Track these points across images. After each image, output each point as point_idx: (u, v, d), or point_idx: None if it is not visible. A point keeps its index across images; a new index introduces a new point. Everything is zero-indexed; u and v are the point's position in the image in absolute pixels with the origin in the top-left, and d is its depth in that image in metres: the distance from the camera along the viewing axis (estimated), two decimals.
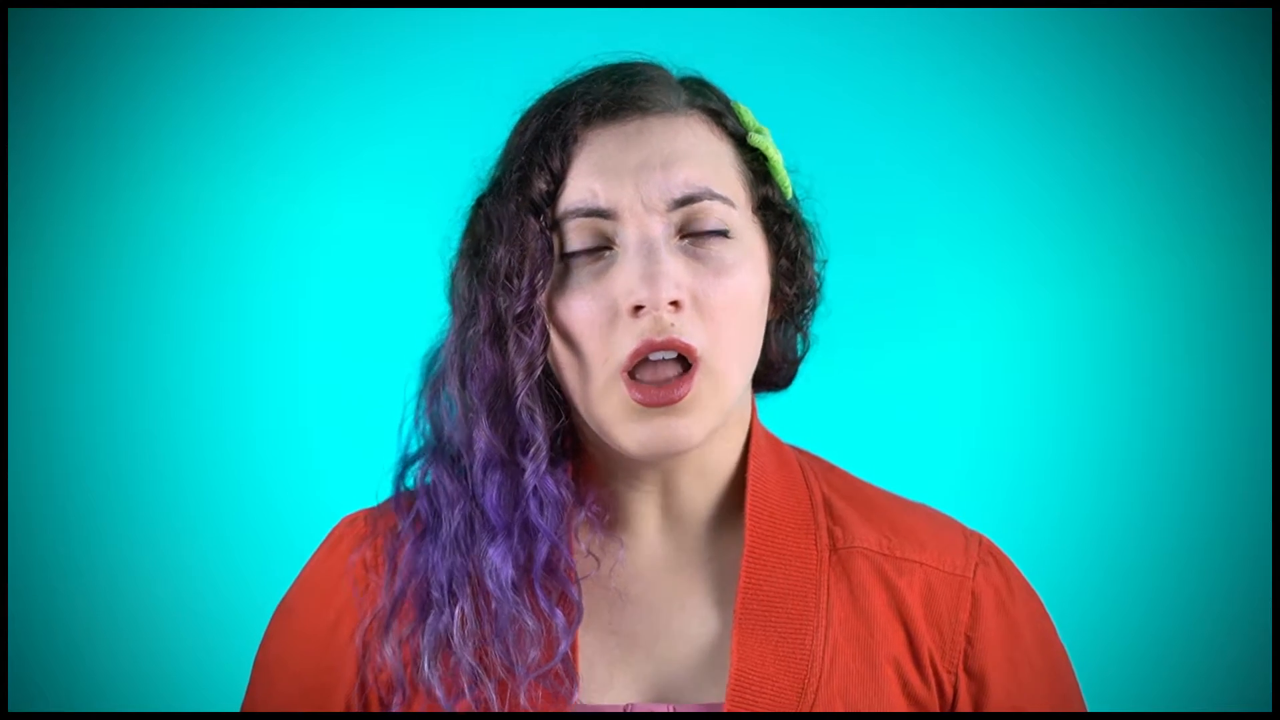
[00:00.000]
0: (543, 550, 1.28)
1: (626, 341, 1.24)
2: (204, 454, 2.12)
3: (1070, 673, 1.37)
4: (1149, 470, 2.11)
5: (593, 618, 1.29)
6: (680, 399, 1.24)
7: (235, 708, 1.39)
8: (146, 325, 2.12)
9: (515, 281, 1.26)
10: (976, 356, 2.14)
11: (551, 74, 1.32)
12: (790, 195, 1.32)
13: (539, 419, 1.28)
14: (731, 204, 1.26)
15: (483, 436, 1.28)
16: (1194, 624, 2.09)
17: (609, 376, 1.25)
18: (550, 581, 1.28)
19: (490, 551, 1.27)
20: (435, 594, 1.28)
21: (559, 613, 1.27)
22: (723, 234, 1.26)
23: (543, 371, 1.28)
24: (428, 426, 1.32)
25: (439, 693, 1.27)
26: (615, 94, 1.27)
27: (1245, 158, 2.08)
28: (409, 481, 1.34)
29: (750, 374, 1.31)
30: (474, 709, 1.26)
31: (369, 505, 1.37)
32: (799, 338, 1.37)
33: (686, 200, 1.25)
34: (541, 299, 1.26)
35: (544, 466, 1.28)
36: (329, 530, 1.37)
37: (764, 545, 1.30)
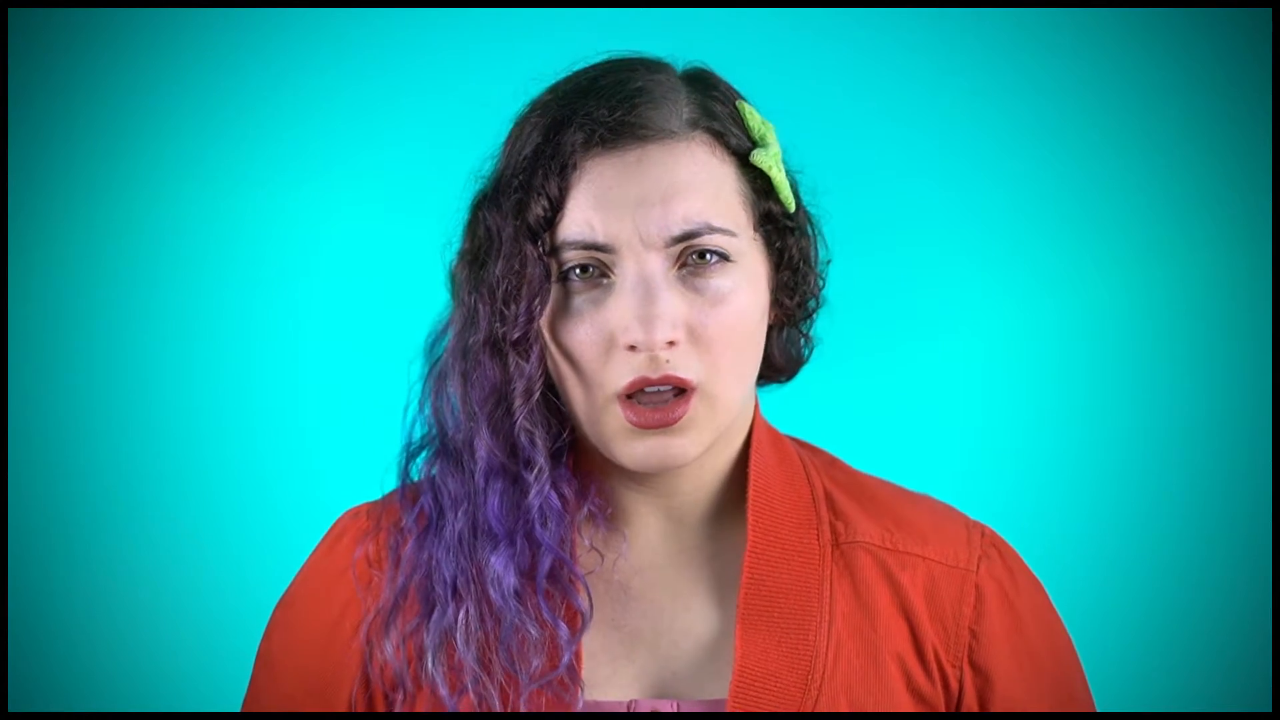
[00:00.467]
0: (546, 561, 1.28)
1: (624, 372, 1.24)
2: (204, 452, 2.12)
3: (1076, 664, 1.37)
4: (1149, 470, 2.11)
5: (596, 612, 1.29)
6: (676, 421, 1.25)
7: (236, 707, 1.39)
8: (147, 325, 2.12)
9: (513, 307, 1.26)
10: (977, 356, 2.14)
11: (550, 75, 1.31)
12: (792, 208, 1.31)
13: (539, 440, 1.28)
14: (732, 234, 1.26)
15: (484, 445, 1.28)
16: (1194, 624, 2.09)
17: (606, 399, 1.25)
18: (554, 589, 1.28)
19: (493, 559, 1.27)
20: (440, 590, 1.28)
21: (563, 624, 1.26)
22: (723, 258, 1.25)
23: (545, 384, 1.28)
24: (432, 419, 1.32)
25: (443, 690, 1.27)
26: (615, 120, 1.25)
27: (1245, 158, 2.08)
28: (414, 474, 1.34)
29: (751, 384, 1.31)
30: (476, 706, 1.26)
31: (372, 499, 1.37)
32: (801, 339, 1.37)
33: (686, 236, 1.24)
34: (539, 324, 1.26)
35: (547, 485, 1.28)
36: (331, 524, 1.37)
37: (766, 541, 1.30)
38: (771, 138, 1.30)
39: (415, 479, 1.34)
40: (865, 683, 1.28)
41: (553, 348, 1.27)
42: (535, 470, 1.28)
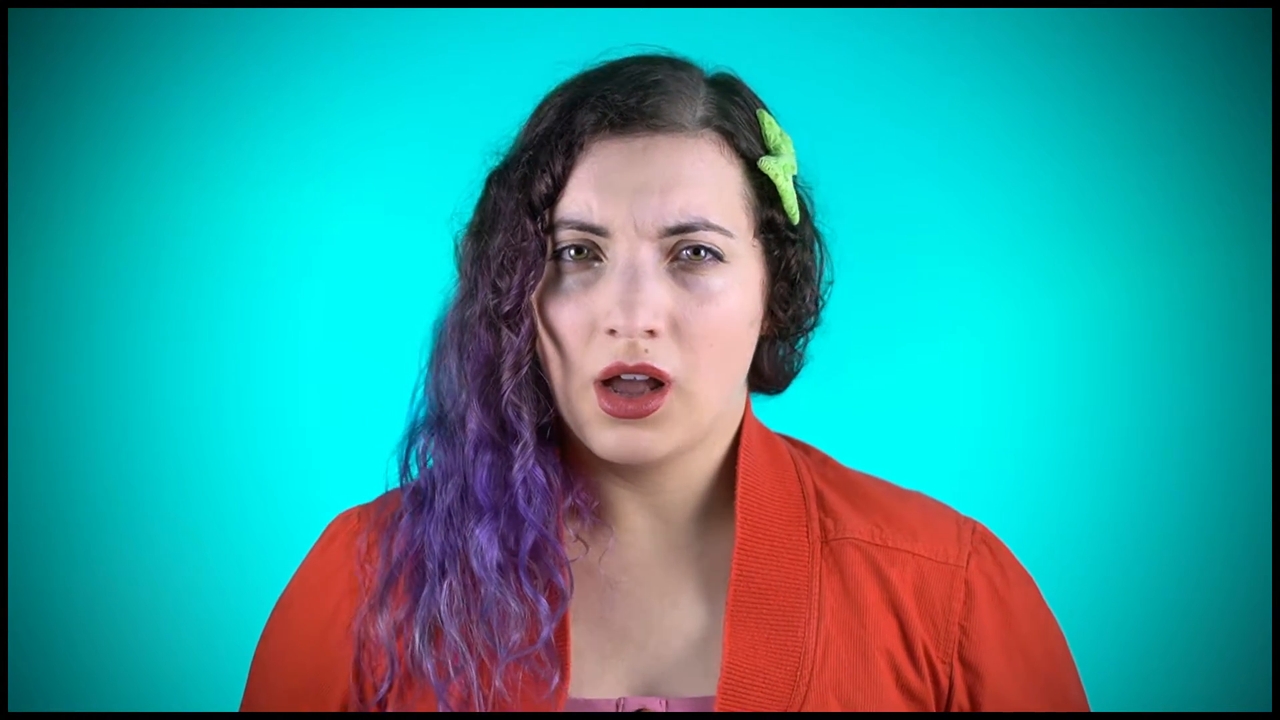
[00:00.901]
0: (530, 537, 1.28)
1: (601, 357, 1.25)
2: (204, 452, 2.12)
3: (1069, 659, 1.36)
4: (1149, 471, 2.11)
5: (583, 609, 1.29)
6: (649, 413, 1.25)
7: (235, 707, 1.39)
8: (147, 325, 2.12)
9: (507, 279, 1.27)
10: (977, 357, 2.14)
11: (555, 76, 1.32)
12: (797, 220, 1.31)
13: (525, 415, 1.28)
14: (729, 234, 1.26)
15: (474, 417, 1.29)
16: (1194, 624, 2.09)
17: (583, 383, 1.26)
18: (537, 567, 1.28)
19: (477, 531, 1.28)
20: (429, 565, 1.29)
21: (543, 600, 1.27)
22: (715, 257, 1.26)
23: (533, 361, 1.29)
24: (432, 393, 1.32)
25: (429, 665, 1.27)
26: (628, 106, 1.26)
27: (1245, 158, 2.08)
28: (413, 469, 1.34)
29: (733, 390, 1.30)
30: (462, 692, 1.26)
31: (366, 501, 1.37)
32: (794, 355, 1.37)
33: (680, 229, 1.24)
34: (530, 299, 1.27)
35: (531, 460, 1.28)
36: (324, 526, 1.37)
37: (755, 538, 1.30)
38: (787, 149, 1.30)
39: (414, 475, 1.34)
40: (854, 679, 1.28)
41: (541, 325, 1.28)
42: (520, 444, 1.28)
